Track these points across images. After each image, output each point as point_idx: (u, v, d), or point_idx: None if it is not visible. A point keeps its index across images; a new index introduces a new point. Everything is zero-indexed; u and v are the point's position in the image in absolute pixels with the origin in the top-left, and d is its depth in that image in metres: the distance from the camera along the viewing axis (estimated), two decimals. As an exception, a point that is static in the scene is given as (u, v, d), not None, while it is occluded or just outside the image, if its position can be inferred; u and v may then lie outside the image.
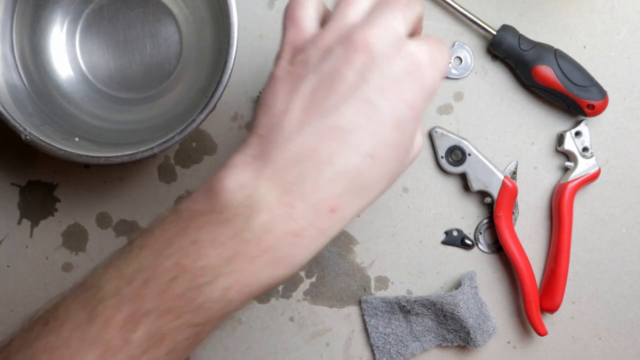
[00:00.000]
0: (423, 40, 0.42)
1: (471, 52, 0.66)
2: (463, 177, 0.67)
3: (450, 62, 0.64)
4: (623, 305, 0.69)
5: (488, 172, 0.65)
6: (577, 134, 0.66)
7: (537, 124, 0.67)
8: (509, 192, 0.64)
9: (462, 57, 0.66)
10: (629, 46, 0.67)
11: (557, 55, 0.63)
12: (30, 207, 0.67)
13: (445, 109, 0.67)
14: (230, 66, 0.56)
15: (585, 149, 0.66)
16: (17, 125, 0.56)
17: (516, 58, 0.64)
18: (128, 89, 0.64)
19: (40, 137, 0.56)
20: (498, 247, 0.67)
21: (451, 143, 0.65)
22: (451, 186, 0.67)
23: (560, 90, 0.64)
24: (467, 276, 0.65)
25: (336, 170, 0.40)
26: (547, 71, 0.63)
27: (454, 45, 0.66)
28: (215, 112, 0.64)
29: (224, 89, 0.56)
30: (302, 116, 0.41)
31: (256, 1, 0.66)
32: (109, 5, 0.64)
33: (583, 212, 0.68)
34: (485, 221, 0.67)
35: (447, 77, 0.66)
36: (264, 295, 0.67)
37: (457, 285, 0.66)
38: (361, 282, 0.67)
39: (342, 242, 0.67)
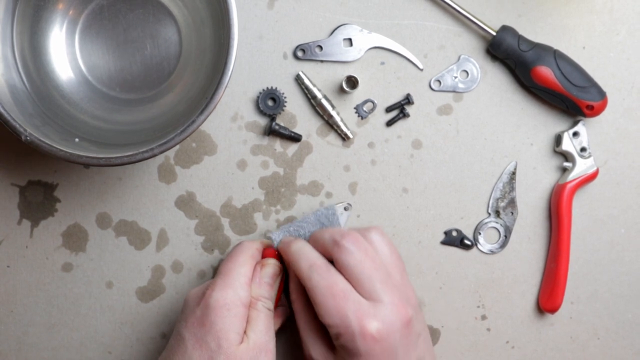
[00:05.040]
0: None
1: (477, 64, 0.66)
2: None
3: (457, 77, 0.64)
4: (622, 306, 0.69)
5: None
6: (575, 134, 0.66)
7: (537, 125, 0.67)
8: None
9: (468, 70, 0.66)
10: (628, 47, 0.67)
11: (557, 56, 0.64)
12: (30, 208, 0.67)
13: (445, 110, 0.67)
14: (231, 67, 0.56)
15: (583, 149, 0.66)
16: (18, 126, 0.56)
17: (515, 59, 0.64)
18: (128, 90, 0.65)
19: (41, 138, 0.56)
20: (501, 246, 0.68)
21: None
22: (451, 186, 0.67)
23: (560, 91, 0.64)
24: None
25: None
26: (546, 72, 0.63)
27: (459, 58, 0.66)
28: (215, 113, 0.64)
29: (224, 90, 0.57)
30: None
31: (256, 2, 0.66)
32: (109, 6, 0.64)
33: (582, 212, 0.68)
34: (485, 221, 0.67)
35: (455, 92, 0.67)
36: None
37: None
38: (361, 282, 0.67)
39: (341, 242, 0.67)
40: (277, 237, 0.62)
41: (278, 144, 0.67)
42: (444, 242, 0.68)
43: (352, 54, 0.66)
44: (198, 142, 0.66)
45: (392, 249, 0.58)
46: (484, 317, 0.68)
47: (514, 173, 0.67)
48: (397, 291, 0.55)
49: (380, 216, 0.67)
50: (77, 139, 0.60)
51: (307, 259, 0.56)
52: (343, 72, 0.66)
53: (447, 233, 0.68)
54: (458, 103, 0.67)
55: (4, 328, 0.67)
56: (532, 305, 0.68)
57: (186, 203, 0.67)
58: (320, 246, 0.58)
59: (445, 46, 0.67)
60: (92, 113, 0.64)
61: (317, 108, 0.66)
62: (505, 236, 0.68)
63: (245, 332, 0.56)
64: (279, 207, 0.67)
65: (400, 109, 0.67)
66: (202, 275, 0.67)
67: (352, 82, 0.65)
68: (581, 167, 0.66)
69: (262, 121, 0.66)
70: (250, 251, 0.60)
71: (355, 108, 0.67)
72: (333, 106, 0.66)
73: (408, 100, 0.66)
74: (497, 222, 0.67)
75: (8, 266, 0.67)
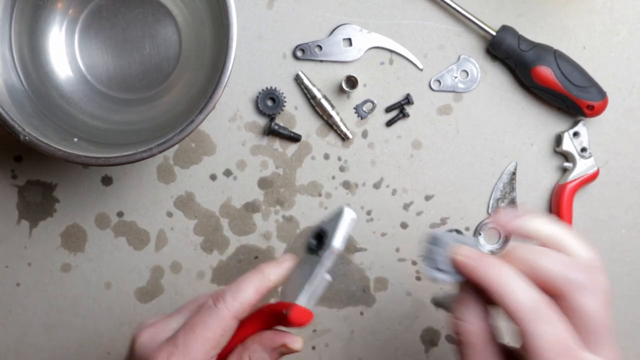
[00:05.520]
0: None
1: (477, 64, 0.66)
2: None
3: (456, 77, 0.64)
4: (622, 306, 0.69)
5: None
6: (575, 134, 0.66)
7: (537, 125, 0.67)
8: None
9: (468, 70, 0.66)
10: (629, 47, 0.67)
11: (557, 56, 0.63)
12: (29, 208, 0.67)
13: (445, 110, 0.67)
14: (230, 67, 0.56)
15: (583, 150, 0.66)
16: (16, 125, 0.56)
17: (516, 59, 0.64)
18: (127, 90, 0.64)
19: (39, 138, 0.56)
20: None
21: None
22: (451, 186, 0.67)
23: (560, 91, 0.63)
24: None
25: None
26: (546, 72, 0.63)
27: (459, 58, 0.66)
28: (214, 113, 0.64)
29: (223, 90, 0.56)
30: None
31: (255, 2, 0.66)
32: (108, 6, 0.64)
33: (583, 213, 0.68)
34: (485, 221, 0.67)
35: (454, 92, 0.66)
36: (264, 298, 0.67)
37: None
38: (360, 283, 0.67)
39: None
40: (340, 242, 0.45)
41: (277, 144, 0.67)
42: (444, 243, 0.67)
43: (351, 53, 0.66)
44: (197, 142, 0.66)
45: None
46: (484, 318, 0.68)
47: (514, 173, 0.67)
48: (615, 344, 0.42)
49: (380, 216, 0.67)
50: (75, 139, 0.60)
51: (527, 294, 0.40)
52: (343, 72, 0.66)
53: (447, 233, 0.67)
54: (458, 103, 0.67)
55: (3, 329, 0.67)
56: (532, 306, 0.68)
57: (185, 203, 0.67)
58: (540, 274, 0.42)
59: (445, 46, 0.66)
60: (91, 113, 0.64)
61: (316, 108, 0.66)
62: (506, 237, 0.67)
63: None
64: (278, 207, 0.67)
65: (400, 109, 0.67)
66: (200, 275, 0.67)
67: (352, 82, 0.64)
68: (582, 167, 0.66)
69: (262, 121, 0.66)
70: (229, 310, 0.44)
71: (354, 108, 0.66)
72: (333, 106, 0.66)
73: (408, 100, 0.66)
74: (497, 223, 0.67)
75: (7, 266, 0.67)
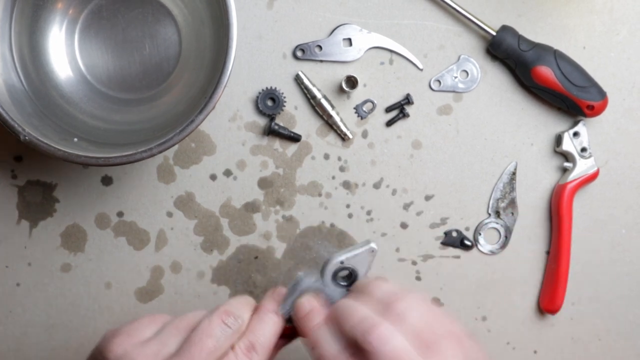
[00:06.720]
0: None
1: (477, 64, 0.66)
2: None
3: (457, 77, 0.64)
4: (623, 307, 0.69)
5: None
6: (575, 134, 0.66)
7: (537, 125, 0.67)
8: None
9: (467, 70, 0.66)
10: (629, 47, 0.67)
11: (557, 56, 0.63)
12: (29, 208, 0.67)
13: (445, 110, 0.67)
14: (230, 67, 0.56)
15: (583, 150, 0.66)
16: (16, 125, 0.56)
17: (516, 59, 0.64)
18: (127, 90, 0.64)
19: (39, 138, 0.56)
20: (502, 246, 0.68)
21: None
22: (451, 186, 0.67)
23: (560, 91, 0.63)
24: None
25: None
26: (546, 72, 0.63)
27: (459, 58, 0.66)
28: (214, 113, 0.64)
29: (223, 90, 0.56)
30: None
31: (255, 2, 0.66)
32: (108, 6, 0.64)
33: (583, 212, 0.68)
34: (485, 221, 0.67)
35: (454, 92, 0.66)
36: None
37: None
38: (360, 282, 0.67)
39: (341, 243, 0.67)
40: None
41: (277, 144, 0.67)
42: (444, 243, 0.68)
43: (351, 53, 0.66)
44: (197, 142, 0.66)
45: (438, 318, 0.48)
46: (484, 318, 0.68)
47: (514, 173, 0.67)
48: None
49: (380, 216, 0.67)
50: (75, 139, 0.60)
51: (329, 350, 0.48)
52: (343, 72, 0.66)
53: (447, 233, 0.67)
54: (458, 103, 0.67)
55: (3, 328, 0.67)
56: (532, 306, 0.68)
57: (185, 203, 0.67)
58: (345, 334, 0.48)
59: (445, 46, 0.66)
60: (91, 113, 0.64)
61: (316, 108, 0.66)
62: (506, 237, 0.67)
63: None
64: (278, 207, 0.67)
65: (400, 109, 0.67)
66: (200, 275, 0.67)
67: (352, 82, 0.65)
68: (582, 167, 0.66)
69: (262, 121, 0.66)
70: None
71: (354, 108, 0.66)
72: (333, 106, 0.66)
73: (408, 100, 0.66)
74: (497, 223, 0.67)
75: (7, 266, 0.67)
